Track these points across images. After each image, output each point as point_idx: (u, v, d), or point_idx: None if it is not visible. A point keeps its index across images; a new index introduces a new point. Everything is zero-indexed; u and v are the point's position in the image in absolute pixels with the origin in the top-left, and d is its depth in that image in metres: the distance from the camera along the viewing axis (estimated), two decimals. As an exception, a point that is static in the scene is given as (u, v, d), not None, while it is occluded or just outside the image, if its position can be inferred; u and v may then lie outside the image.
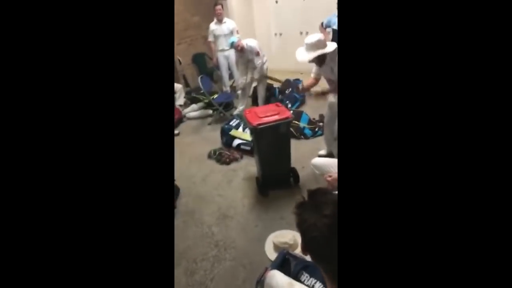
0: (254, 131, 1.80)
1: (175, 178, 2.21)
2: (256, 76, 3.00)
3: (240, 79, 3.22)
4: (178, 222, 1.90)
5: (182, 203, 2.08)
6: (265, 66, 3.05)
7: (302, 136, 2.72)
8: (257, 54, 2.93)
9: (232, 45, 2.94)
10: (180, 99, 3.64)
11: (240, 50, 2.93)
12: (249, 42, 2.94)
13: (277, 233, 1.66)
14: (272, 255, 1.53)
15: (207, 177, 2.36)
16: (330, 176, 1.24)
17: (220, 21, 3.47)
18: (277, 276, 0.99)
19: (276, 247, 1.54)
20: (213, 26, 3.52)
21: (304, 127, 2.77)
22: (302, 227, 0.64)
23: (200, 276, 1.51)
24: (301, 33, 4.57)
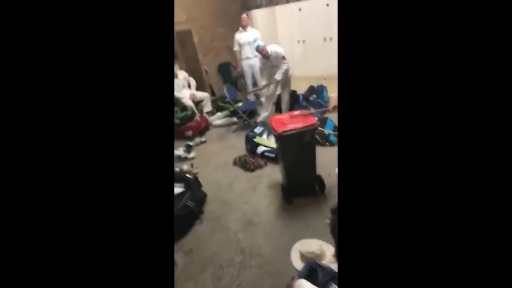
0: (279, 138, 1.81)
1: (202, 184, 2.29)
2: (279, 78, 2.97)
3: (263, 82, 3.23)
4: (205, 228, 1.95)
5: (209, 209, 2.13)
6: (289, 72, 3.06)
7: (327, 143, 2.68)
8: (283, 58, 2.94)
9: (258, 48, 2.95)
10: (207, 107, 3.78)
11: (264, 55, 2.94)
12: (273, 48, 2.96)
13: (303, 242, 1.64)
14: (298, 264, 1.50)
15: (232, 183, 2.41)
16: None
17: (244, 29, 3.57)
18: (305, 286, 0.98)
19: (303, 256, 1.51)
20: (238, 35, 3.63)
21: (329, 134, 2.73)
22: (336, 233, 0.63)
23: (227, 282, 1.53)
24: (324, 39, 4.54)
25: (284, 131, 1.75)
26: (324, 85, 3.60)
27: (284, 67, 2.94)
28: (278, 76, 2.95)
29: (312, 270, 1.27)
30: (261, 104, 3.49)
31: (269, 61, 3.00)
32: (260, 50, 2.93)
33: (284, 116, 1.98)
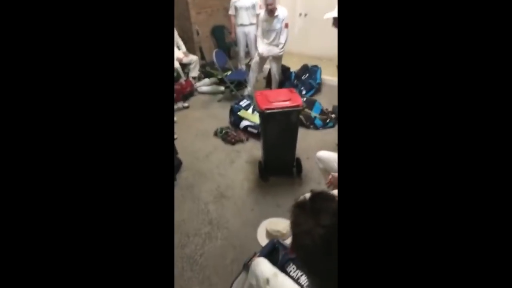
0: (262, 115, 1.74)
1: (178, 151, 2.22)
2: (280, 49, 2.84)
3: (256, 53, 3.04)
4: (176, 195, 1.93)
5: (183, 177, 2.09)
6: (285, 46, 2.89)
7: (311, 126, 2.65)
8: (286, 26, 2.76)
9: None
10: (194, 71, 3.57)
11: (271, 9, 2.69)
12: (281, 10, 2.75)
13: (271, 220, 1.66)
14: (263, 241, 1.54)
15: (210, 154, 2.36)
16: (330, 175, 1.20)
17: None
18: (262, 264, 0.99)
19: (269, 234, 1.54)
20: None
21: (315, 117, 2.69)
22: (294, 230, 0.60)
23: (190, 250, 1.55)
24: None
25: (267, 108, 1.69)
26: (319, 66, 3.48)
27: (284, 37, 2.78)
28: (281, 44, 2.79)
29: (274, 248, 1.30)
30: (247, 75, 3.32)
31: (271, 20, 2.76)
32: (269, 3, 2.65)
33: (271, 93, 1.90)
